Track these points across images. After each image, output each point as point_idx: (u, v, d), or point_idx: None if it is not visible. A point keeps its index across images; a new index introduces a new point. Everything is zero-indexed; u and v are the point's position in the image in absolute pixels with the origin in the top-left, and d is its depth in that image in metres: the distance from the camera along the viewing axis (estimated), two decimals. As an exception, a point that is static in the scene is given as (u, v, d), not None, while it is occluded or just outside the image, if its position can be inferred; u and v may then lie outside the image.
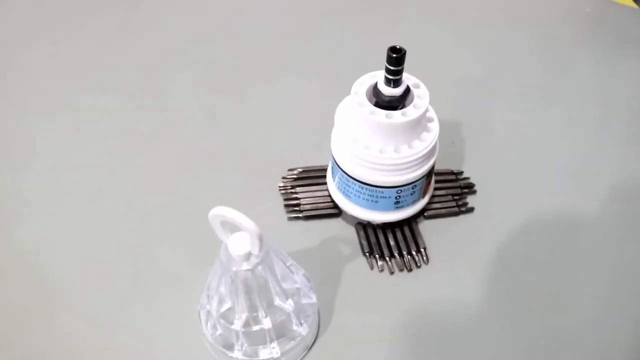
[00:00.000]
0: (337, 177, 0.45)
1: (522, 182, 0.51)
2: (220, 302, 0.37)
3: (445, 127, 0.54)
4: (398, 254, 0.46)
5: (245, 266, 0.34)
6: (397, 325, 0.42)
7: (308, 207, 0.48)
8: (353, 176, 0.43)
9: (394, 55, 0.38)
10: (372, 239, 0.46)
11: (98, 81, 0.59)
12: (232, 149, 0.53)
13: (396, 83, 0.40)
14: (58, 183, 0.51)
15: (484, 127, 0.55)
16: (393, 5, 0.68)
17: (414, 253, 0.46)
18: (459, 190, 0.49)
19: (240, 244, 0.34)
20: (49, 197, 0.50)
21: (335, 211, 0.48)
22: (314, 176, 0.50)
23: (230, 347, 0.38)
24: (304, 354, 0.41)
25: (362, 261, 0.46)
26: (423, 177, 0.44)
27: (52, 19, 0.65)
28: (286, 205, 0.48)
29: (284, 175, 0.50)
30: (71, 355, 0.41)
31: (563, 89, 0.59)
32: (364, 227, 0.47)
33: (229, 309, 0.37)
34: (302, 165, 0.50)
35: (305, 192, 0.49)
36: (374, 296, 0.44)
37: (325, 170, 0.49)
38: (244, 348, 0.38)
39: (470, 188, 0.50)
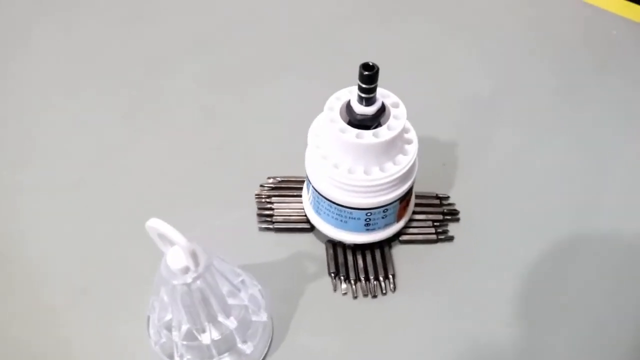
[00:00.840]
0: (310, 192, 0.44)
1: (512, 216, 0.48)
2: (162, 310, 0.36)
3: (439, 147, 0.52)
4: (364, 278, 0.44)
5: (183, 280, 0.33)
6: (350, 350, 0.41)
7: (280, 219, 0.46)
8: (322, 194, 0.42)
9: (366, 72, 0.36)
10: (340, 259, 0.44)
11: (95, 73, 0.58)
12: (219, 150, 0.52)
13: (369, 101, 0.38)
14: (39, 173, 0.51)
15: (482, 150, 0.52)
16: (401, 13, 0.65)
17: (381, 279, 0.44)
18: (440, 217, 0.47)
19: (179, 257, 0.33)
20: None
21: (308, 226, 0.46)
22: (292, 187, 0.48)
23: (172, 357, 0.38)
24: (267, 321, 0.40)
25: (327, 281, 0.44)
26: (396, 201, 0.41)
27: (52, 9, 0.65)
28: (259, 215, 0.47)
29: (263, 182, 0.49)
30: (25, 345, 0.41)
31: (576, 119, 0.55)
32: (334, 245, 0.45)
33: (170, 319, 0.36)
34: (286, 174, 0.49)
35: (281, 202, 0.47)
36: (332, 319, 0.42)
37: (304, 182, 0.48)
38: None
39: (453, 215, 0.47)
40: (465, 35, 0.63)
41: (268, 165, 0.50)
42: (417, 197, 0.48)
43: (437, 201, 0.48)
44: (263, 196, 0.48)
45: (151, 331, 0.38)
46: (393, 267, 0.44)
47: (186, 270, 0.33)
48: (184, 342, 0.36)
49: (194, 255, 0.31)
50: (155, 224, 0.30)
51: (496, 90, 0.57)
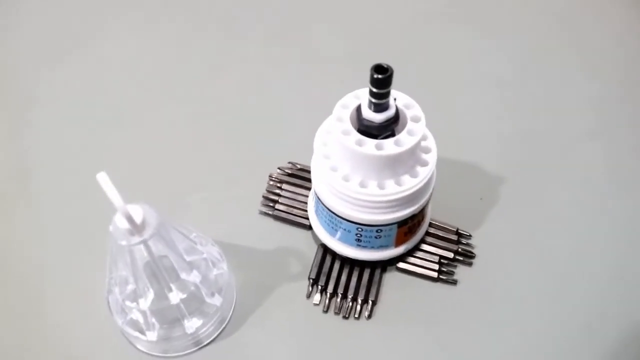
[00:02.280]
0: (312, 189, 0.41)
1: (533, 281, 0.41)
2: (123, 283, 0.35)
3: (482, 178, 0.46)
4: (342, 295, 0.40)
5: (134, 240, 0.32)
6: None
7: (282, 207, 0.44)
8: (318, 195, 0.38)
9: (378, 75, 0.32)
10: (325, 268, 0.41)
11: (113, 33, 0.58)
12: (250, 124, 0.50)
13: (379, 107, 0.34)
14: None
15: (530, 194, 0.45)
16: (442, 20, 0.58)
17: (359, 301, 0.40)
18: (451, 255, 0.42)
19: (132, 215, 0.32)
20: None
21: (307, 223, 0.43)
22: (308, 178, 0.45)
23: (142, 330, 0.37)
24: (221, 328, 0.39)
25: (305, 285, 0.41)
26: (392, 224, 0.37)
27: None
28: (264, 197, 0.45)
29: (282, 166, 0.47)
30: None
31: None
32: (325, 252, 0.42)
33: (133, 290, 0.36)
34: (308, 163, 0.46)
35: (290, 191, 0.45)
36: (292, 324, 0.39)
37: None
38: (156, 328, 0.37)
39: (467, 257, 0.42)
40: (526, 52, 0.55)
41: (295, 150, 0.47)
42: (433, 226, 0.43)
43: (454, 237, 0.42)
44: (276, 180, 0.46)
45: (114, 312, 0.37)
46: (377, 293, 0.40)
47: (136, 230, 0.32)
48: (153, 309, 0.36)
49: (129, 219, 0.30)
50: (100, 180, 0.29)
51: (557, 127, 0.50)
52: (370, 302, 0.40)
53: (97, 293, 0.39)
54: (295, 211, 0.44)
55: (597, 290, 0.41)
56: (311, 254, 0.42)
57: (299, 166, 0.46)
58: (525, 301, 0.40)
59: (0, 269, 0.42)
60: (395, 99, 0.35)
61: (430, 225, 0.43)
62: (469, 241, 0.43)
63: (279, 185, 0.45)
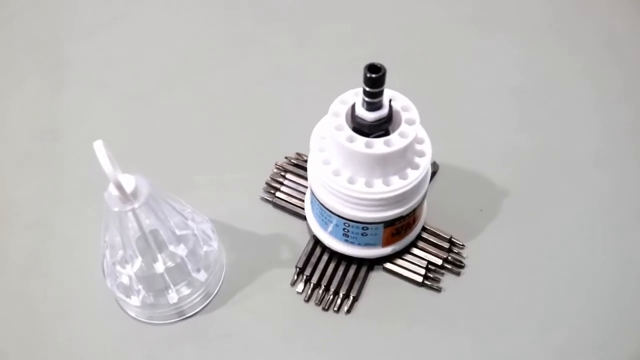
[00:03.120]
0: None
1: (521, 298, 0.41)
2: (114, 248, 0.37)
3: (485, 190, 0.46)
4: (325, 286, 0.41)
5: (124, 207, 0.34)
6: (267, 343, 0.39)
7: (282, 196, 0.45)
8: (310, 185, 0.39)
9: (372, 75, 0.32)
10: (314, 259, 0.42)
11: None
12: (266, 110, 0.51)
13: (372, 106, 0.34)
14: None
15: (531, 212, 0.45)
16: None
17: (340, 295, 0.40)
18: (440, 262, 0.42)
19: (125, 184, 0.34)
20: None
21: (304, 213, 0.44)
22: (313, 170, 0.46)
23: (129, 294, 0.39)
24: (206, 302, 0.40)
25: (291, 272, 0.42)
26: (378, 223, 0.38)
27: None
28: (266, 184, 0.46)
29: (290, 155, 0.48)
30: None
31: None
32: (316, 243, 0.43)
33: (122, 255, 0.37)
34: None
35: (293, 181, 0.46)
36: (273, 308, 0.40)
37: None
38: (141, 295, 0.39)
39: (456, 266, 0.42)
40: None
41: (305, 141, 0.48)
42: (427, 231, 0.43)
43: (447, 245, 0.42)
44: (280, 168, 0.47)
45: (106, 274, 0.39)
46: (360, 290, 0.41)
47: (129, 197, 0.34)
48: (139, 274, 0.38)
49: (120, 188, 0.32)
50: (96, 147, 0.31)
51: (569, 146, 0.49)
52: (351, 297, 0.40)
53: (97, 255, 0.41)
54: (294, 200, 0.45)
55: (588, 321, 0.40)
56: (303, 243, 0.43)
57: (305, 157, 0.47)
58: (508, 320, 0.40)
59: (8, 224, 0.45)
60: (390, 100, 0.35)
61: (424, 230, 0.43)
62: (461, 251, 0.42)
63: (282, 174, 0.46)
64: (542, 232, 0.44)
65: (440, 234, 0.43)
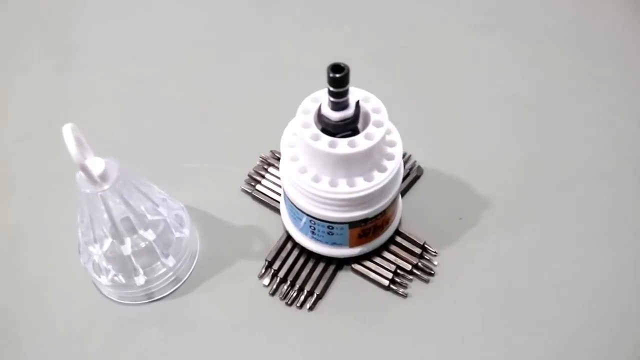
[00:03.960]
0: (285, 176, 0.42)
1: (486, 313, 0.40)
2: (86, 227, 0.38)
3: (467, 198, 0.45)
4: (291, 282, 0.41)
5: (93, 189, 0.35)
6: (230, 333, 0.40)
7: (262, 189, 0.45)
8: (282, 181, 0.40)
9: (336, 75, 0.32)
10: (284, 254, 0.42)
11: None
12: (258, 103, 0.52)
13: (336, 106, 0.34)
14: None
15: (512, 225, 0.44)
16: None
17: (304, 292, 0.41)
18: (409, 267, 0.41)
19: (94, 167, 0.35)
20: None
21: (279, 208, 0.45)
22: (296, 166, 0.46)
23: (99, 273, 0.40)
24: (175, 287, 0.41)
25: (261, 265, 0.42)
26: (343, 223, 0.37)
27: None
28: (248, 176, 0.46)
29: (276, 150, 0.48)
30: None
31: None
32: (288, 239, 0.43)
33: (93, 236, 0.38)
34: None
35: (274, 175, 0.46)
36: (239, 298, 0.41)
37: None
38: (110, 274, 0.40)
39: (425, 273, 0.41)
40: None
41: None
42: (401, 235, 0.42)
43: (418, 250, 0.42)
44: (264, 161, 0.47)
45: (80, 251, 0.40)
46: (325, 288, 0.41)
47: (95, 180, 0.35)
48: (108, 254, 0.39)
49: (86, 170, 0.33)
50: (64, 131, 0.32)
51: (561, 161, 0.47)
52: (315, 295, 0.40)
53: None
54: (272, 194, 0.45)
55: (555, 342, 0.39)
56: (276, 238, 0.43)
57: (290, 153, 0.47)
58: (471, 333, 0.39)
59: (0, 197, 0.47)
60: (358, 101, 0.35)
61: (398, 233, 0.43)
62: (434, 258, 0.42)
63: (265, 167, 0.47)
64: (519, 247, 0.43)
65: (414, 239, 0.42)
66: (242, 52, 0.56)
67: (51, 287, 0.42)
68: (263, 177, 0.46)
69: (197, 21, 0.59)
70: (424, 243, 0.42)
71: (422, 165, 0.47)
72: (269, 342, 0.39)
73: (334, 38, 0.57)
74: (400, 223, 0.43)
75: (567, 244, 0.43)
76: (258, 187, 0.46)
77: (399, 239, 0.42)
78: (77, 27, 0.59)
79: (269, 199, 0.45)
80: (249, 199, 0.46)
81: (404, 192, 0.45)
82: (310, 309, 0.40)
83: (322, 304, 0.41)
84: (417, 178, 0.46)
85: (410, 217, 0.44)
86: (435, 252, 0.42)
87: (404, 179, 0.46)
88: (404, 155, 0.47)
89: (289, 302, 0.40)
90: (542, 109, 0.50)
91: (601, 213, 0.44)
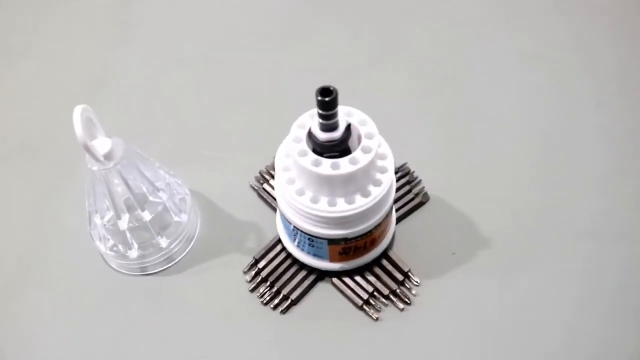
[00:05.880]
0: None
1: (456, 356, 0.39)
2: (93, 199, 0.41)
3: (464, 233, 0.45)
4: (271, 283, 0.42)
5: (99, 167, 0.38)
6: (206, 324, 0.42)
7: (268, 189, 0.47)
8: (275, 190, 0.41)
9: (325, 98, 0.33)
10: (272, 255, 0.44)
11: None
12: (285, 101, 0.53)
13: (324, 127, 0.35)
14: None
15: (503, 271, 0.43)
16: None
17: (281, 295, 0.42)
18: (387, 292, 0.41)
19: (100, 146, 0.38)
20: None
21: (280, 210, 0.46)
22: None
23: (100, 241, 0.43)
24: (167, 265, 0.44)
25: (248, 261, 0.44)
26: (322, 239, 0.38)
27: None
28: (260, 173, 0.48)
29: (292, 152, 0.49)
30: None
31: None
32: (279, 241, 0.44)
33: (111, 216, 0.42)
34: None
35: (283, 177, 0.48)
36: (220, 289, 0.43)
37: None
38: (109, 243, 0.43)
39: (401, 301, 0.41)
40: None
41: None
42: (388, 259, 0.42)
43: (401, 277, 0.42)
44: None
45: (98, 238, 0.43)
46: (302, 295, 0.42)
47: (98, 159, 0.38)
48: (108, 226, 0.42)
49: (89, 150, 0.36)
50: (74, 112, 0.35)
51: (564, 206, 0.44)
52: (290, 300, 0.42)
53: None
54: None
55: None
56: (270, 238, 0.45)
57: (303, 157, 0.48)
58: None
59: (38, 154, 0.52)
60: (350, 124, 0.36)
61: (386, 256, 0.43)
62: (414, 288, 0.42)
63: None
64: (504, 295, 0.42)
65: (400, 265, 0.42)
66: (286, 49, 0.57)
67: (65, 244, 0.46)
68: (272, 177, 0.48)
69: (250, 11, 0.61)
70: (409, 271, 0.42)
71: (430, 193, 0.46)
72: (237, 334, 0.41)
73: (361, 47, 0.57)
74: (392, 245, 0.44)
75: (552, 303, 0.41)
76: (265, 186, 0.47)
77: (384, 262, 0.43)
78: (138, 2, 0.62)
79: (272, 199, 0.46)
80: (254, 195, 0.48)
81: (404, 216, 0.45)
82: (283, 312, 0.42)
83: (295, 309, 0.42)
84: (421, 204, 0.46)
85: (403, 241, 0.44)
86: (417, 282, 0.42)
87: (408, 202, 0.46)
88: (414, 179, 0.47)
89: (264, 302, 0.42)
90: (562, 153, 0.48)
91: (594, 276, 0.42)
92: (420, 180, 0.47)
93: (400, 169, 0.47)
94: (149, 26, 0.61)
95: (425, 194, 0.46)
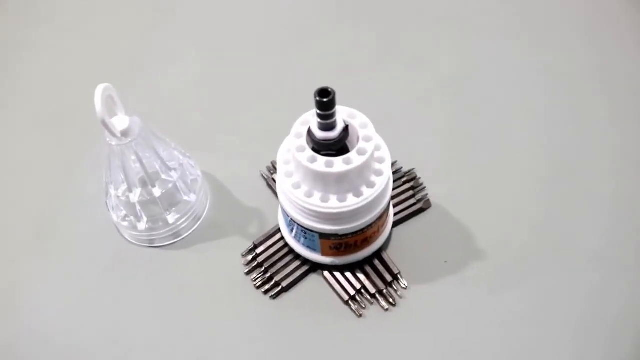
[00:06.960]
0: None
1: None
2: (118, 183, 0.44)
3: (459, 242, 0.45)
4: (265, 269, 0.44)
5: (116, 142, 0.41)
6: (198, 306, 0.44)
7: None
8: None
9: (323, 99, 0.34)
10: (270, 242, 0.46)
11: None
12: (303, 94, 0.53)
13: (322, 126, 0.36)
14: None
15: (497, 284, 0.43)
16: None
17: (274, 281, 0.44)
18: (374, 291, 0.42)
19: (118, 122, 0.41)
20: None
21: (284, 200, 0.48)
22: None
23: (114, 211, 0.46)
24: (174, 240, 0.47)
25: (249, 245, 0.46)
26: (313, 232, 0.40)
27: None
28: (271, 163, 0.50)
29: (305, 147, 0.51)
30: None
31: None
32: (279, 230, 0.46)
33: (126, 189, 0.44)
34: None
35: (292, 169, 0.49)
36: (218, 269, 0.45)
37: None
38: (122, 214, 0.46)
39: (387, 302, 0.42)
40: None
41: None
42: (380, 259, 0.44)
43: (389, 278, 0.43)
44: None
45: (112, 208, 0.46)
46: (293, 284, 0.44)
47: (115, 135, 0.41)
48: (121, 197, 0.45)
49: (106, 125, 0.39)
50: (96, 90, 0.38)
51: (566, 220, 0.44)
52: (281, 286, 0.44)
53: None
54: (282, 186, 0.49)
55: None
56: (271, 226, 0.47)
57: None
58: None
59: (61, 124, 0.55)
60: (347, 126, 0.37)
61: (378, 256, 0.44)
62: (401, 291, 0.43)
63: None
64: (490, 308, 0.42)
65: (390, 266, 0.43)
66: (309, 44, 0.59)
67: (82, 211, 0.49)
68: (282, 167, 0.50)
69: (283, 6, 0.63)
70: (398, 273, 0.43)
71: (433, 201, 0.47)
72: (226, 312, 0.43)
73: (399, 42, 0.58)
74: (386, 246, 0.45)
75: (538, 325, 0.42)
76: (275, 176, 0.49)
77: (376, 262, 0.44)
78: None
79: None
80: (264, 184, 0.50)
81: (404, 220, 0.46)
82: (272, 297, 0.44)
83: (285, 296, 0.44)
84: (422, 210, 0.47)
85: (399, 244, 0.45)
86: (405, 286, 0.43)
87: (409, 207, 0.47)
88: (419, 185, 0.48)
89: (257, 286, 0.44)
90: (571, 171, 0.48)
91: (586, 305, 0.42)
92: (425, 187, 0.48)
93: (407, 174, 0.48)
94: (184, 14, 0.63)
95: (428, 200, 0.47)
